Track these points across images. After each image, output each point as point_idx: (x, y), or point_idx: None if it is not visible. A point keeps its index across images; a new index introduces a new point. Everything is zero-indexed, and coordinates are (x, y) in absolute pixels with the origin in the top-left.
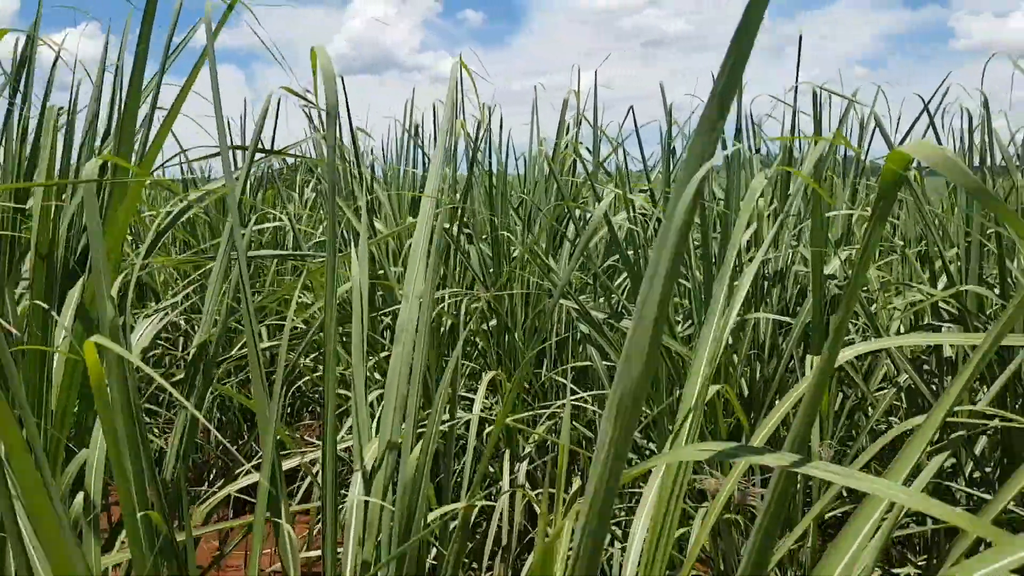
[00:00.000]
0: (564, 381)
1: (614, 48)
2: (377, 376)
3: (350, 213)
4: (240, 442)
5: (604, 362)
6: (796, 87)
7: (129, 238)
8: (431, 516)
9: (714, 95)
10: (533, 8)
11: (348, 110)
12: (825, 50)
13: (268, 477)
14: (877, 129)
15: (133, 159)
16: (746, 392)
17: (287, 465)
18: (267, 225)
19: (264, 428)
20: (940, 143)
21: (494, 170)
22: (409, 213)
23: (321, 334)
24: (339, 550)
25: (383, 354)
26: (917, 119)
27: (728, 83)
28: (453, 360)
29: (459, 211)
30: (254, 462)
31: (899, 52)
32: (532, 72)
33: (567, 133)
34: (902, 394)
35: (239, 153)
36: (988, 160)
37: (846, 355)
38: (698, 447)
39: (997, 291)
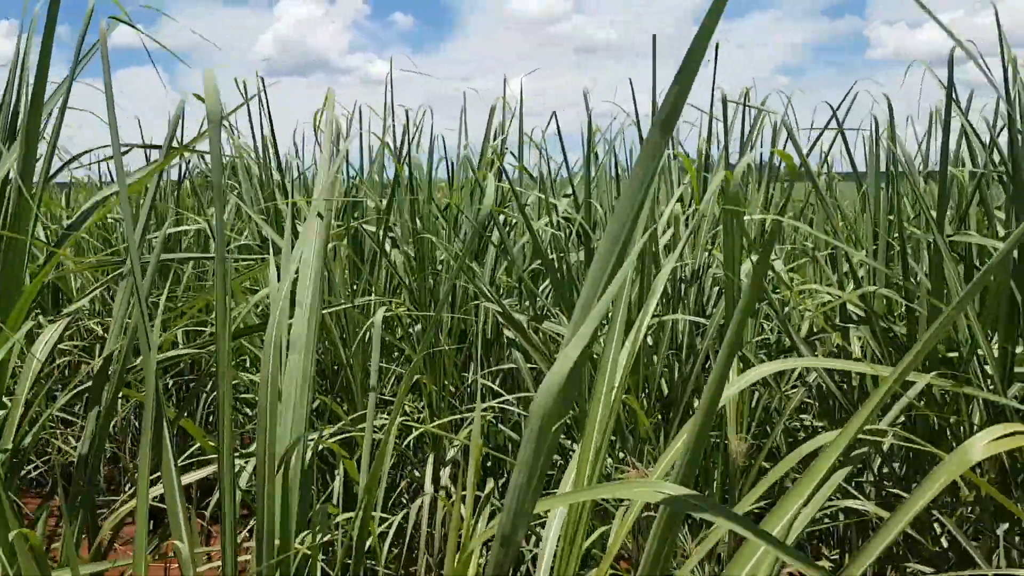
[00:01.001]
0: (490, 384)
1: (546, 54)
2: None
3: (260, 221)
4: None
5: (528, 364)
6: (712, 96)
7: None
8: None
9: (655, 124)
10: (464, 13)
11: (269, 113)
12: (749, 59)
13: (145, 505)
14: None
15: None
16: (666, 391)
17: (208, 471)
18: (185, 228)
19: (145, 441)
20: (848, 149)
21: (420, 174)
22: (338, 216)
23: (242, 339)
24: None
25: None
26: (826, 126)
27: (670, 114)
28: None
29: (384, 215)
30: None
31: (819, 61)
32: (463, 76)
33: (494, 139)
34: (813, 391)
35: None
36: (890, 165)
37: (751, 377)
38: (596, 490)
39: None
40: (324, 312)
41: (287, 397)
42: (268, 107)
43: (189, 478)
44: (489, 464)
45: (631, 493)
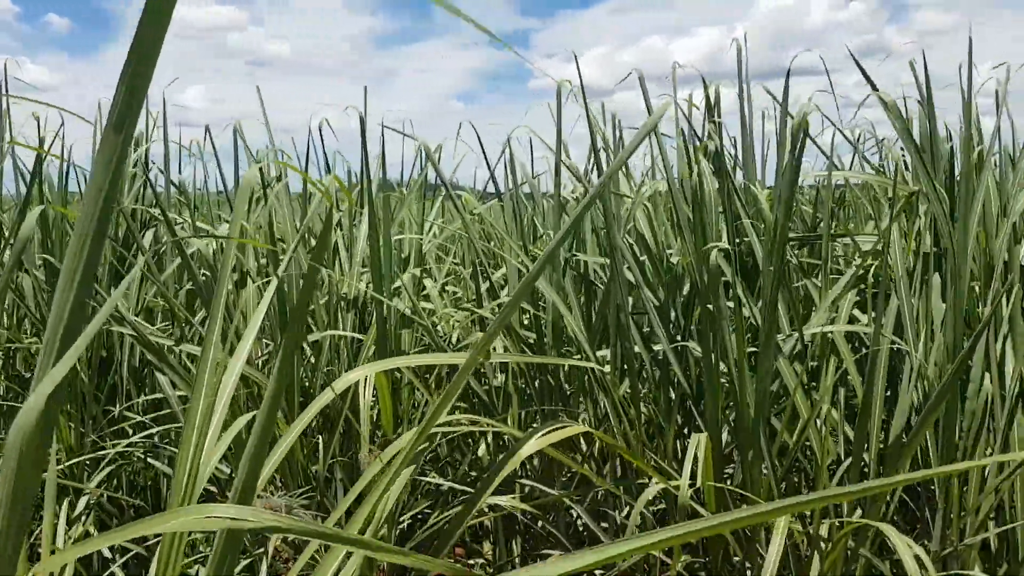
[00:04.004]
0: (139, 417)
1: (219, 65)
2: None
3: None
4: None
5: (177, 392)
6: (362, 123)
7: None
8: None
9: (109, 124)
10: (127, 18)
11: None
12: (426, 83)
13: None
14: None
15: None
16: None
17: None
18: None
19: None
20: (492, 175)
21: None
22: None
23: None
24: None
25: None
26: (505, 153)
27: (123, 113)
28: None
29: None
30: None
31: (489, 88)
32: None
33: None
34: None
35: None
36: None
37: (350, 378)
38: (125, 531)
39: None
40: None
41: None
42: None
43: None
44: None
45: (167, 527)
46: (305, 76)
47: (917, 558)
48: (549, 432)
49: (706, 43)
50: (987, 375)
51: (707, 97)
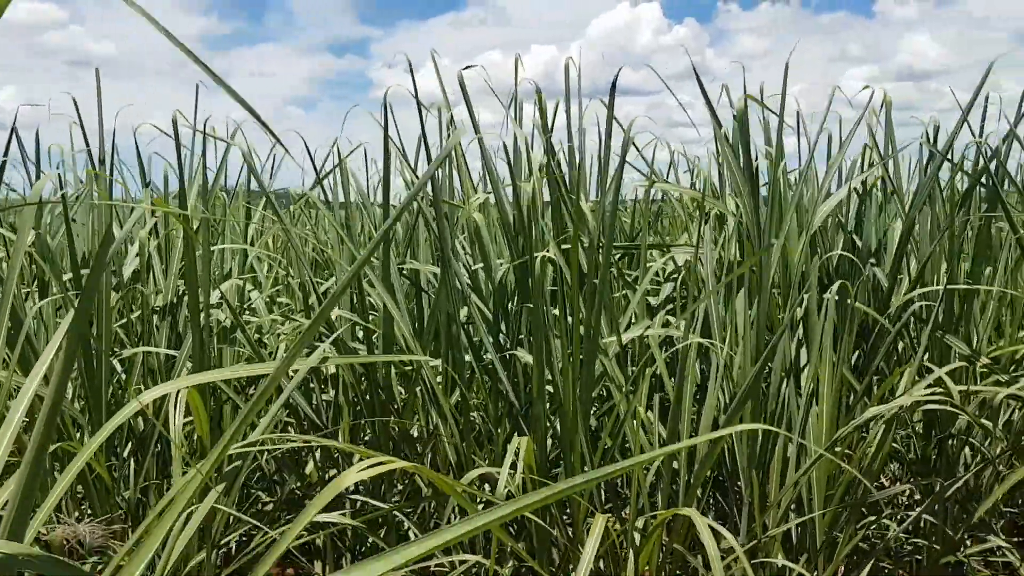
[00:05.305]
0: None
1: (36, 64)
2: None
3: None
4: None
5: None
6: (197, 128)
7: None
8: None
9: None
10: None
11: None
12: (262, 88)
13: None
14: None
15: None
16: (142, 426)
17: None
18: None
19: None
20: (323, 185)
21: None
22: None
23: None
24: None
25: None
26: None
27: None
28: None
29: None
30: None
31: (328, 95)
32: None
33: None
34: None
35: None
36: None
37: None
38: None
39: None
40: None
41: None
42: None
43: None
44: None
45: None
46: (132, 77)
47: (720, 539)
48: (369, 467)
49: (543, 60)
50: (786, 378)
51: (542, 111)
